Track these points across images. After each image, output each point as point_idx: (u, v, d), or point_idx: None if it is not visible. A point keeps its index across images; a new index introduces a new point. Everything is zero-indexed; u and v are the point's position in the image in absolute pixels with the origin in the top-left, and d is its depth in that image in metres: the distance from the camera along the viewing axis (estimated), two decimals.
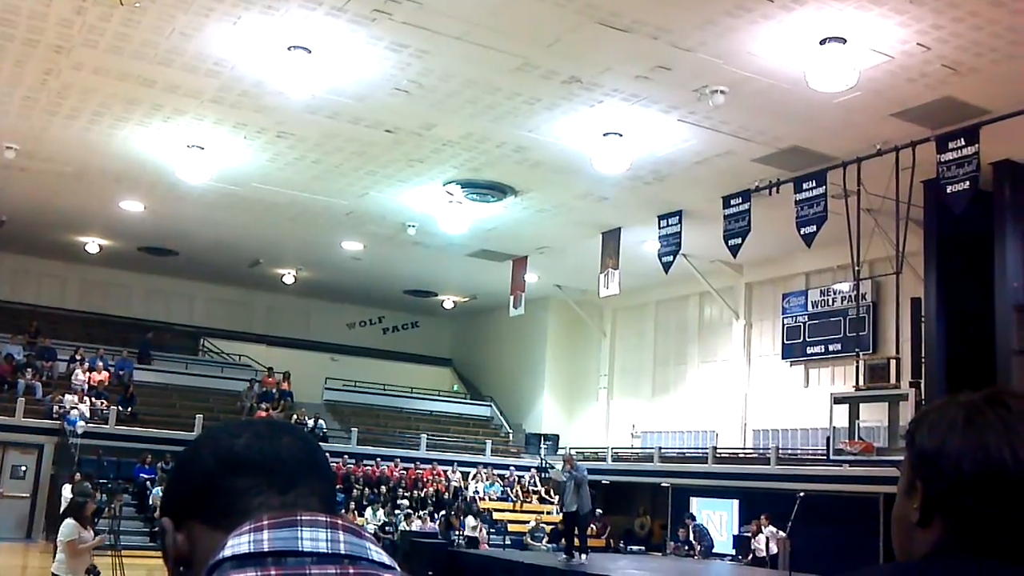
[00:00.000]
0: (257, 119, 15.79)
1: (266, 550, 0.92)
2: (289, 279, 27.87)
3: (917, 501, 1.21)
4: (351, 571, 0.92)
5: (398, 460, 25.67)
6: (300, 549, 0.92)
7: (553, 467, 26.73)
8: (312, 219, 21.62)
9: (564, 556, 16.31)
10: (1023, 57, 11.89)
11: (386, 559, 0.96)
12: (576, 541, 16.49)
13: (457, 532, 22.13)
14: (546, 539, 23.00)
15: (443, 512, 23.26)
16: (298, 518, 0.95)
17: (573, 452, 19.92)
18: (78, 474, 19.25)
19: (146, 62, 13.73)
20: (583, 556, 16.29)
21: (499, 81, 13.87)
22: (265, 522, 0.94)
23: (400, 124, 15.72)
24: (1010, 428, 1.18)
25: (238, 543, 0.93)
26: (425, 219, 20.60)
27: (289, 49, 12.84)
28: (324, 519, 0.95)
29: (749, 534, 20.01)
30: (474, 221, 20.18)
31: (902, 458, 1.29)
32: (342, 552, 0.93)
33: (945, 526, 1.18)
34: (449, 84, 14.07)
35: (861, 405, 16.76)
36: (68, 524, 9.40)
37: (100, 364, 25.30)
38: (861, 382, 17.11)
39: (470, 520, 23.09)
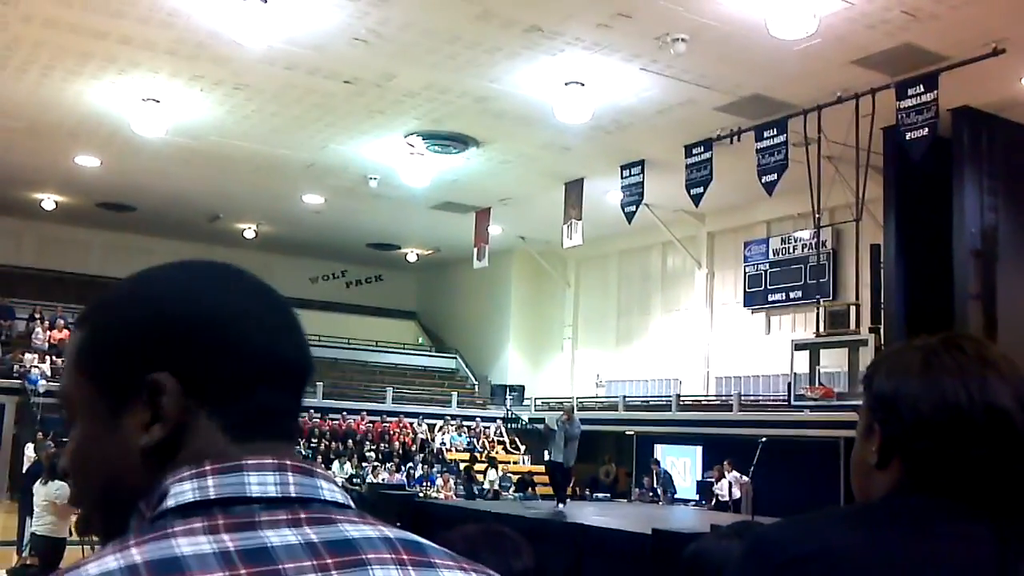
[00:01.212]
0: (213, 71, 15.52)
1: (212, 497, 0.86)
2: (250, 234, 27.62)
3: (875, 444, 1.23)
4: (302, 515, 0.87)
5: (364, 414, 25.72)
6: (248, 495, 0.87)
7: (543, 420, 26.95)
8: (272, 172, 21.37)
9: (559, 505, 16.51)
10: (980, 3, 11.92)
11: (339, 497, 0.92)
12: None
13: (478, 485, 22.33)
14: (513, 488, 23.22)
15: (465, 467, 23.31)
16: (243, 462, 0.88)
17: (574, 405, 19.93)
18: (40, 433, 19.10)
19: (98, 14, 13.40)
20: (562, 505, 16.53)
21: (459, 30, 13.71)
22: (208, 467, 0.88)
23: (359, 75, 15.52)
24: (966, 371, 1.20)
25: (180, 491, 0.87)
26: (387, 171, 20.44)
27: None
28: (271, 461, 0.89)
29: (712, 479, 20.31)
30: (436, 173, 20.06)
31: (861, 402, 1.31)
32: (292, 495, 0.88)
33: (903, 468, 1.20)
34: (408, 34, 13.89)
35: (821, 351, 16.99)
36: (63, 485, 9.16)
37: (60, 322, 25.01)
38: (821, 328, 17.34)
39: (491, 473, 23.26)
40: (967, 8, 12.05)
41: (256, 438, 0.91)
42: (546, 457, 17.46)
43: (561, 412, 17.19)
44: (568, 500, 17.09)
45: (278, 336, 0.95)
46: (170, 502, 0.86)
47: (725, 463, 19.83)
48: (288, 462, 0.90)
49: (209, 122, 18.01)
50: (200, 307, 0.93)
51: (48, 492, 9.39)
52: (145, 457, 0.90)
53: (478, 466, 24.58)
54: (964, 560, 1.13)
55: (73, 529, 9.23)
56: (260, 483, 0.88)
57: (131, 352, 0.91)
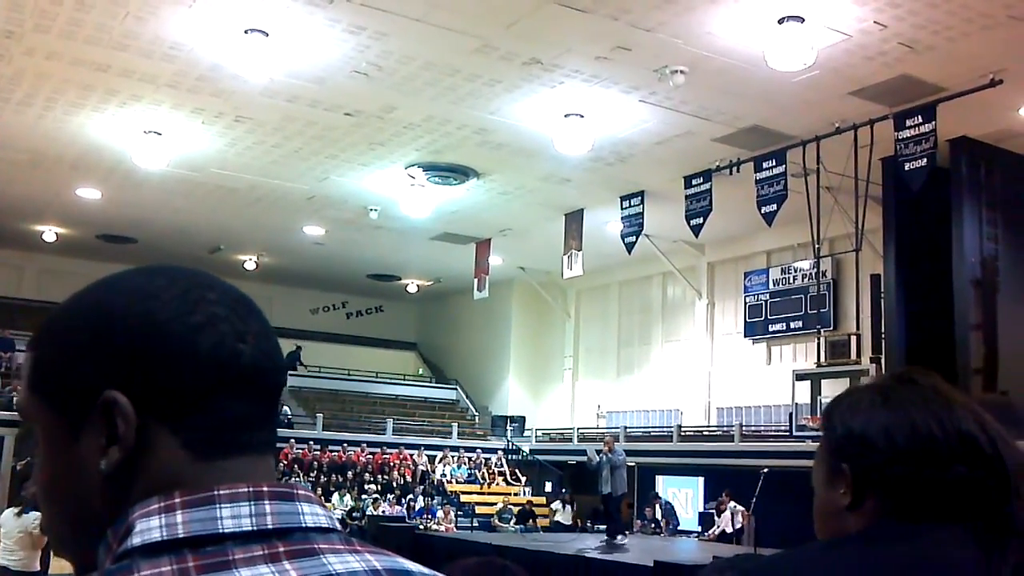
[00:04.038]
0: (215, 103, 15.60)
1: (181, 536, 0.80)
2: (251, 265, 27.64)
3: (844, 485, 1.23)
4: (280, 549, 0.81)
5: (364, 445, 25.62)
6: (220, 531, 0.80)
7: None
8: (273, 204, 21.44)
9: (607, 538, 16.33)
10: (978, 34, 12.00)
11: (323, 520, 0.85)
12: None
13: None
14: (513, 520, 23.09)
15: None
16: (215, 493, 0.82)
17: (613, 435, 19.79)
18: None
19: (100, 47, 13.50)
20: (619, 537, 16.29)
21: (459, 63, 13.80)
22: (177, 499, 0.81)
23: (360, 107, 15.61)
24: (929, 402, 1.22)
25: (147, 528, 0.80)
26: (387, 203, 20.49)
27: (246, 32, 12.68)
28: (246, 489, 0.83)
29: (714, 511, 20.19)
30: (437, 204, 20.11)
31: (817, 453, 1.31)
32: (269, 527, 0.82)
33: (878, 502, 1.20)
34: (408, 66, 13.98)
35: (823, 381, 16.96)
36: (39, 516, 9.16)
37: None
38: (822, 359, 17.32)
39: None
40: (964, 40, 12.13)
41: (225, 453, 0.86)
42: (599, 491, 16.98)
43: (603, 444, 17.06)
44: (624, 532, 16.72)
45: (241, 342, 0.88)
46: (136, 540, 0.80)
47: (723, 494, 19.73)
48: (264, 487, 0.84)
49: (210, 154, 18.08)
50: (150, 316, 0.86)
51: (23, 523, 9.28)
52: (107, 481, 0.84)
53: (481, 498, 24.45)
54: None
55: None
56: (233, 516, 0.81)
57: (79, 369, 0.86)
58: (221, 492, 0.82)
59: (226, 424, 0.86)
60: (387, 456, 25.46)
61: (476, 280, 23.43)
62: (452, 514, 22.80)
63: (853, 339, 17.18)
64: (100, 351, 0.86)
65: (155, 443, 0.84)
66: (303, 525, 0.84)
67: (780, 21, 11.86)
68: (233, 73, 13.66)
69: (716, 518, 19.85)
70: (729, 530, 19.04)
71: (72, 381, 0.86)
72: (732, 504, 19.22)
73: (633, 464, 23.42)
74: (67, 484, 0.87)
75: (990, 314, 15.41)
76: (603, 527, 22.87)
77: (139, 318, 0.86)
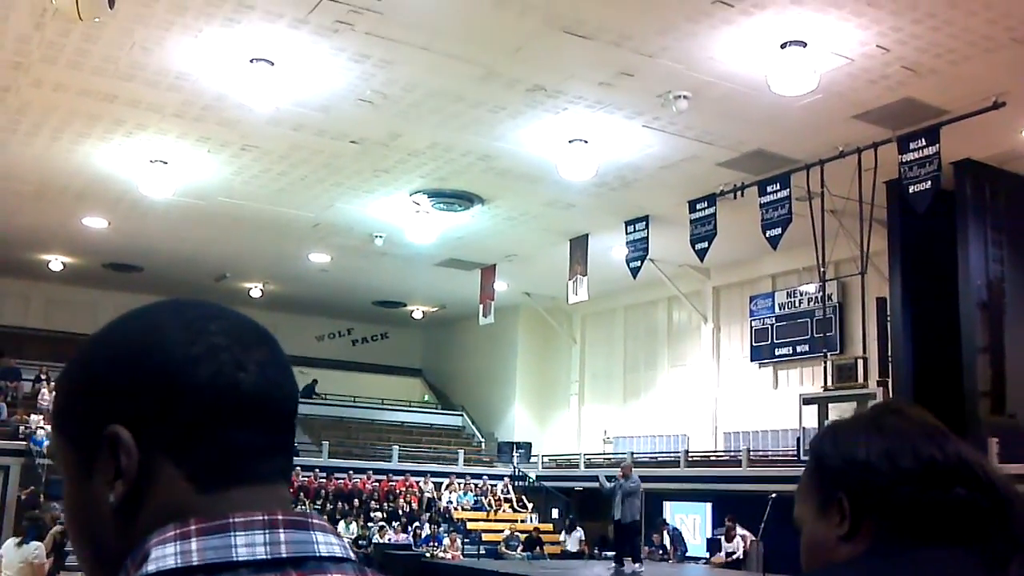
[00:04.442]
0: (221, 132, 15.68)
1: (195, 563, 0.80)
2: (256, 292, 27.68)
3: (839, 516, 1.23)
4: None
5: (370, 472, 25.54)
6: (235, 559, 0.81)
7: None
8: (278, 232, 21.50)
9: (614, 565, 16.26)
10: (980, 57, 12.04)
11: (337, 550, 0.85)
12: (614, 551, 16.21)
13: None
14: (520, 547, 22.96)
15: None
16: (230, 521, 0.82)
17: (629, 461, 19.73)
18: (43, 495, 18.99)
19: (107, 77, 13.59)
20: (637, 565, 16.20)
21: (463, 90, 13.87)
22: (192, 526, 0.82)
23: (365, 135, 15.68)
24: (924, 429, 1.25)
25: (162, 555, 0.81)
26: (393, 230, 20.54)
27: (252, 62, 12.77)
28: (261, 517, 0.83)
29: (722, 537, 20.07)
30: (442, 231, 20.16)
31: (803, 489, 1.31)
32: (283, 556, 0.82)
33: (876, 528, 1.21)
34: (413, 94, 14.05)
35: (830, 405, 16.86)
36: (40, 546, 9.19)
37: None
38: (829, 382, 17.25)
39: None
40: (967, 63, 12.17)
41: (233, 483, 0.87)
42: (615, 516, 16.90)
43: (620, 470, 16.97)
44: (641, 560, 16.63)
45: (241, 371, 0.89)
46: (151, 567, 0.81)
47: (727, 519, 19.62)
48: (280, 516, 0.84)
49: (216, 183, 18.16)
50: (151, 350, 0.88)
51: (24, 554, 9.30)
52: (116, 514, 0.86)
53: (488, 525, 24.32)
54: None
55: None
56: (248, 544, 0.82)
57: (91, 406, 0.88)
58: (236, 520, 0.83)
59: (231, 454, 0.87)
60: (393, 483, 25.37)
61: (481, 306, 23.43)
62: (458, 542, 22.68)
63: (860, 363, 17.12)
64: (107, 387, 0.88)
65: (160, 475, 0.86)
66: (317, 554, 0.84)
67: (783, 46, 11.92)
68: (239, 102, 13.75)
69: (724, 543, 19.73)
70: (740, 556, 18.91)
71: (85, 418, 0.89)
72: (740, 530, 19.10)
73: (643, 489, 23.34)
74: (85, 517, 0.90)
75: (997, 337, 15.37)
76: (611, 554, 22.80)
77: (141, 353, 0.89)
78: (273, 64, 12.80)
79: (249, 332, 0.93)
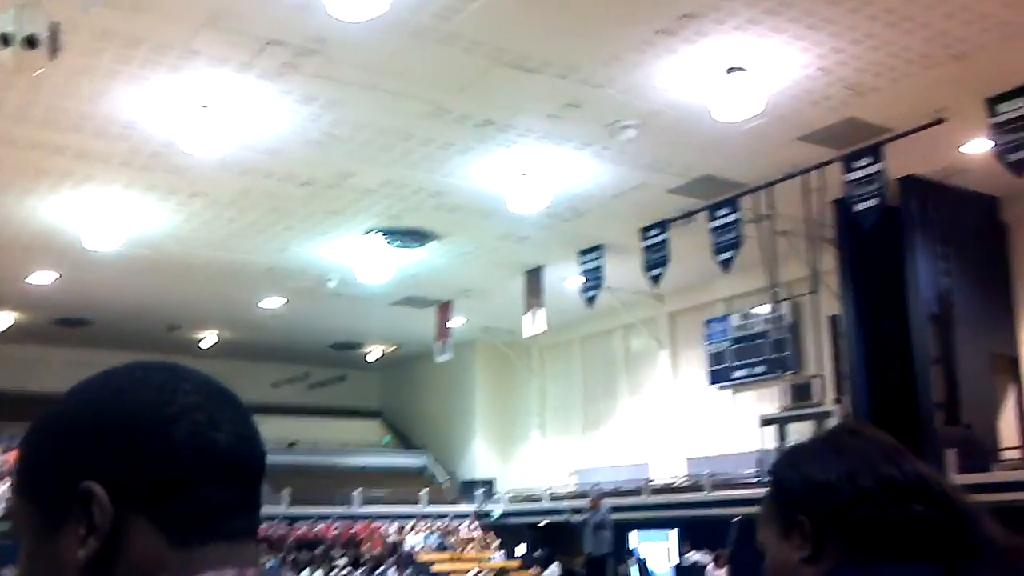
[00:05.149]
0: (169, 180, 15.54)
1: None
2: (209, 341, 27.34)
3: (801, 539, 1.25)
4: None
5: (333, 518, 25.20)
6: None
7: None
8: (230, 278, 21.29)
9: None
10: (919, 75, 12.33)
11: None
12: None
13: None
14: None
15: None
16: None
17: (597, 492, 19.58)
18: None
19: (56, 130, 13.44)
20: None
21: (412, 127, 13.91)
22: None
23: (315, 176, 15.63)
24: (881, 448, 1.28)
25: None
26: (346, 271, 20.44)
27: (198, 107, 12.70)
28: (232, 572, 0.84)
29: (690, 563, 20.06)
30: (396, 269, 20.09)
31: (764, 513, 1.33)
32: None
33: (838, 549, 1.23)
34: (363, 133, 14.06)
35: (789, 425, 17.03)
36: None
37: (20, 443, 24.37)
38: (787, 402, 17.41)
39: None
40: (907, 81, 12.44)
41: (205, 540, 0.86)
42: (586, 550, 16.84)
43: (589, 502, 16.92)
44: None
45: (216, 430, 0.90)
46: None
47: (686, 545, 19.62)
48: (250, 572, 0.85)
49: (165, 231, 17.97)
50: (126, 409, 0.89)
51: None
52: (86, 571, 0.85)
53: (454, 566, 24.07)
54: None
55: None
56: None
57: (60, 464, 0.88)
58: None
59: (205, 511, 0.88)
60: (356, 529, 25.05)
61: (438, 343, 23.34)
62: None
63: (815, 381, 17.30)
64: (80, 444, 0.89)
65: (133, 532, 0.86)
66: None
67: (726, 72, 12.11)
68: (186, 149, 13.63)
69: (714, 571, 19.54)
70: None
71: (55, 475, 0.89)
72: (699, 553, 19.11)
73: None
74: None
75: (948, 348, 15.61)
76: None
77: (115, 411, 0.90)
78: (219, 109, 12.74)
79: (218, 392, 0.95)
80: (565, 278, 20.39)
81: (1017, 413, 16.74)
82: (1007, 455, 16.02)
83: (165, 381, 0.92)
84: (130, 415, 0.89)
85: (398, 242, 18.72)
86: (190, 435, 0.88)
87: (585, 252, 19.09)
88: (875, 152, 13.98)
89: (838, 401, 16.78)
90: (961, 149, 14.47)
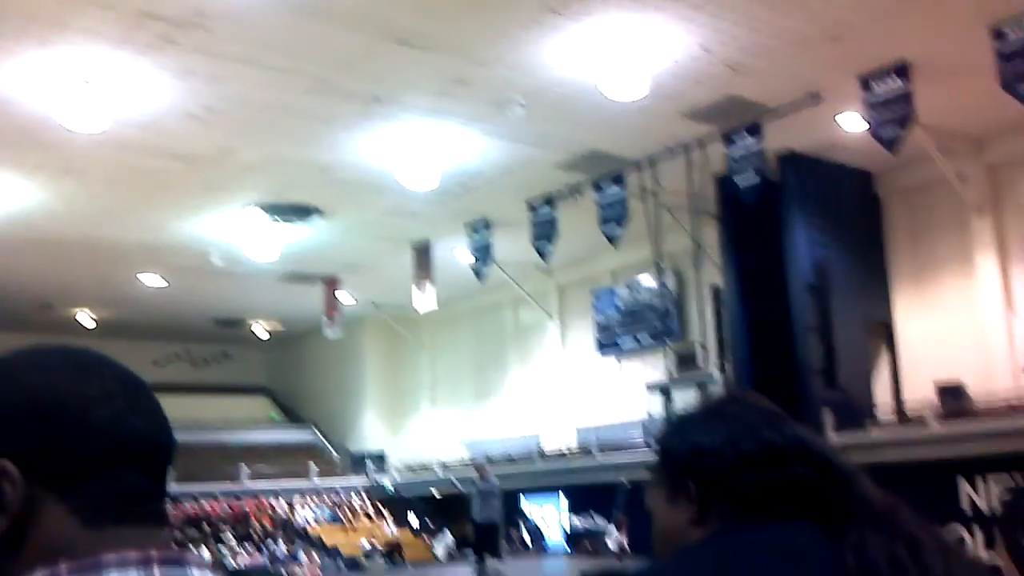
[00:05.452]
0: (39, 156, 14.89)
1: None
2: (86, 319, 26.41)
3: (687, 502, 1.30)
4: None
5: (220, 495, 24.79)
6: None
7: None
8: (107, 255, 20.56)
9: (477, 565, 16.22)
10: (796, 55, 12.65)
11: None
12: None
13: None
14: (381, 557, 22.76)
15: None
16: (102, 557, 0.82)
17: (484, 462, 19.59)
18: None
19: None
20: (498, 562, 16.24)
21: (297, 103, 13.63)
22: (63, 566, 0.81)
23: (196, 151, 15.19)
24: (762, 415, 1.33)
25: None
26: (230, 246, 19.98)
27: (72, 82, 12.18)
28: (135, 554, 0.83)
29: (583, 528, 20.46)
30: (282, 245, 19.73)
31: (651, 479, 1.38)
32: None
33: (724, 511, 1.28)
34: (243, 109, 13.72)
35: (674, 392, 17.45)
36: None
37: None
38: (673, 370, 17.83)
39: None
40: (785, 60, 12.76)
41: (115, 522, 0.87)
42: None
43: (476, 472, 16.97)
44: (500, 556, 16.71)
45: (128, 414, 0.90)
46: None
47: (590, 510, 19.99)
48: (154, 552, 0.84)
49: (35, 208, 17.22)
50: (45, 388, 0.88)
51: None
52: None
53: (346, 538, 23.99)
54: (816, 567, 1.21)
55: None
56: None
57: None
58: (109, 556, 0.83)
59: (119, 495, 0.88)
60: (244, 505, 24.71)
61: (326, 319, 23.08)
62: (316, 557, 22.30)
63: (699, 350, 17.77)
64: None
65: (45, 511, 0.85)
66: None
67: (611, 50, 12.20)
68: (60, 125, 13.08)
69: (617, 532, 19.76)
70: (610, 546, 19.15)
71: None
72: (598, 518, 19.51)
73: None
74: None
75: (825, 316, 16.17)
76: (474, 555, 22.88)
77: (35, 390, 0.88)
78: (94, 84, 12.25)
79: (132, 379, 0.95)
80: (455, 252, 20.35)
81: (891, 376, 17.50)
82: (882, 415, 16.76)
83: (84, 366, 0.92)
84: (49, 397, 0.88)
85: (281, 217, 18.38)
86: (109, 420, 0.88)
87: (474, 226, 19.09)
88: (755, 129, 14.33)
89: (721, 368, 17.28)
90: (837, 126, 14.93)
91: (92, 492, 0.86)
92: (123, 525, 0.86)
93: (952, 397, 15.69)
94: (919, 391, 16.32)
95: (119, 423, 0.89)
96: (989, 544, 13.78)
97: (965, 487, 14.17)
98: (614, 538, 18.93)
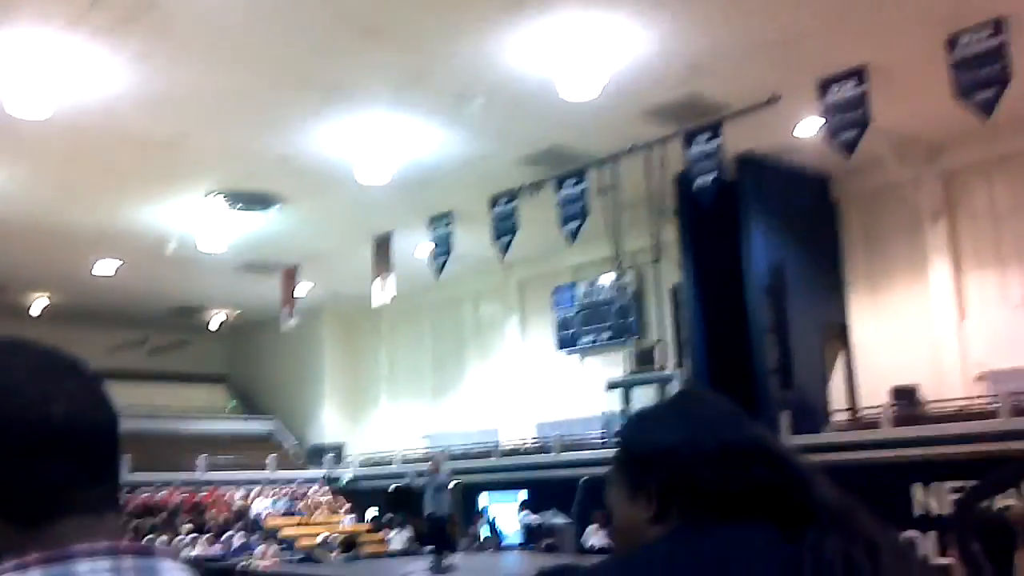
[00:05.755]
0: None
1: None
2: (38, 306, 26.07)
3: (646, 500, 1.30)
4: None
5: (175, 485, 24.58)
6: None
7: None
8: (59, 241, 20.27)
9: (432, 558, 16.22)
10: (755, 56, 12.69)
11: None
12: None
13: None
14: (338, 550, 22.64)
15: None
16: (72, 548, 0.80)
17: (439, 455, 19.53)
18: None
19: None
20: (452, 556, 16.24)
21: (255, 91, 13.50)
22: (32, 556, 0.78)
23: (151, 137, 14.99)
24: (723, 414, 1.33)
25: None
26: (187, 234, 19.77)
27: (22, 67, 11.98)
28: (104, 544, 0.81)
29: (539, 523, 20.44)
30: (240, 234, 19.57)
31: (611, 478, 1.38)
32: None
33: (682, 510, 1.27)
34: (201, 95, 13.56)
35: (633, 389, 17.51)
36: None
37: None
38: (632, 367, 17.88)
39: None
40: (744, 61, 12.80)
41: (54, 516, 0.83)
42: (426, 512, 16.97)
43: (429, 464, 16.97)
44: (453, 550, 16.72)
45: (51, 404, 0.86)
46: None
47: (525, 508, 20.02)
48: (123, 544, 0.83)
49: None
50: None
51: None
52: None
53: (304, 530, 23.86)
54: (773, 567, 1.21)
55: None
56: (92, 571, 0.80)
57: None
58: (79, 547, 0.80)
59: (49, 488, 0.84)
60: (201, 495, 24.52)
61: (285, 309, 22.91)
62: (273, 549, 22.15)
63: (658, 347, 17.83)
64: None
65: None
66: None
67: (570, 47, 12.19)
68: (11, 108, 12.87)
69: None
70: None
71: None
72: (554, 514, 19.50)
73: (459, 480, 23.49)
74: None
75: (781, 318, 16.29)
76: (428, 548, 22.84)
77: None
78: (46, 68, 12.06)
79: (56, 363, 0.91)
80: (415, 245, 20.27)
81: (846, 377, 17.66)
82: (837, 417, 16.90)
83: (28, 382, 0.88)
84: None
85: (240, 205, 18.23)
86: (20, 411, 0.84)
87: (434, 220, 19.00)
88: (714, 129, 14.36)
89: (679, 366, 17.36)
90: (795, 129, 15.02)
91: (18, 491, 0.82)
92: (59, 519, 0.83)
93: (906, 401, 15.86)
94: (874, 394, 16.47)
95: (30, 413, 0.84)
96: (941, 548, 13.93)
97: (918, 490, 14.29)
98: (597, 536, 18.95)
